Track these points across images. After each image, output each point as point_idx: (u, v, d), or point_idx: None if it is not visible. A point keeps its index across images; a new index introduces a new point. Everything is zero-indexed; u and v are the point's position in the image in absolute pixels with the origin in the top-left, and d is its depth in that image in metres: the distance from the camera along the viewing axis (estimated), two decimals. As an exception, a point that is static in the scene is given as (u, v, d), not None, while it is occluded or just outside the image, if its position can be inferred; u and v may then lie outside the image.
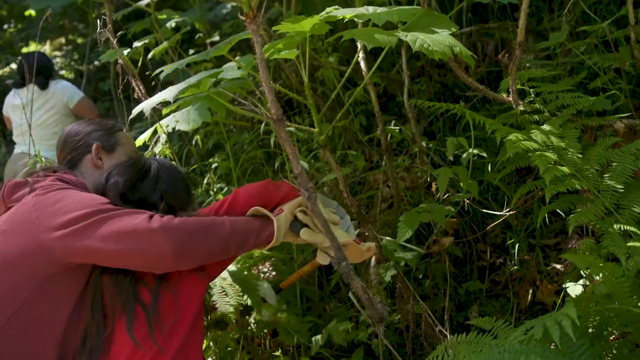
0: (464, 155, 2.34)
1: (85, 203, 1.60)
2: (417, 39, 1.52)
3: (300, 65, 1.79)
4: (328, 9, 1.67)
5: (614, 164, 1.79)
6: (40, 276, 1.59)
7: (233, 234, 1.65)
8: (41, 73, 4.17)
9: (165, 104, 1.89)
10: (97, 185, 1.78)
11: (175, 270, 1.65)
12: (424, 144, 2.74)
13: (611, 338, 1.46)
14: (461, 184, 2.16)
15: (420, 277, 2.59)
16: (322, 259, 1.80)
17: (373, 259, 2.33)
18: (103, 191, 1.75)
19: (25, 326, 1.59)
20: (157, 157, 2.27)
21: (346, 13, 1.68)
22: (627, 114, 2.13)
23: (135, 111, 1.88)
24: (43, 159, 2.74)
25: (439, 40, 1.55)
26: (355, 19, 1.69)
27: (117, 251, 1.54)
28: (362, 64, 2.21)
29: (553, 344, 1.28)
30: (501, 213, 2.29)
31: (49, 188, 1.66)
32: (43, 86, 4.19)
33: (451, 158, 2.26)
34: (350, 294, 2.19)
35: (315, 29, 1.66)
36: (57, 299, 1.63)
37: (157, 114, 2.24)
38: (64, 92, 4.25)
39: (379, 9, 1.72)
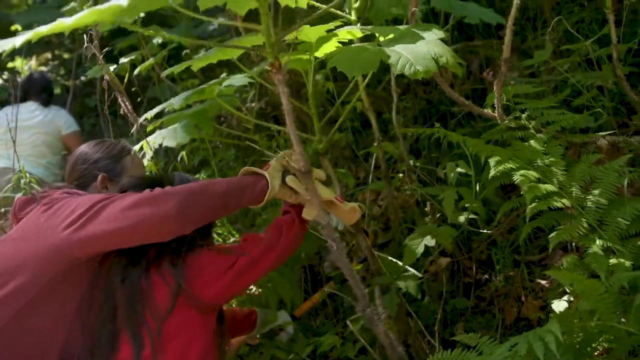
0: (452, 174, 2.35)
1: (88, 199, 1.67)
2: (400, 58, 1.50)
3: (307, 76, 1.82)
4: (334, 22, 1.69)
5: (598, 180, 1.81)
6: (47, 275, 1.63)
7: (229, 189, 1.73)
8: (45, 91, 4.27)
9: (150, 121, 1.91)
10: None
11: (181, 234, 1.68)
12: (410, 162, 2.75)
13: (595, 354, 1.47)
14: (466, 204, 2.17)
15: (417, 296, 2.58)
16: (308, 214, 1.83)
17: (377, 289, 2.33)
18: None
19: (30, 324, 1.63)
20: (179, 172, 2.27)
21: (350, 29, 1.69)
22: (610, 132, 2.15)
23: (148, 115, 1.89)
24: (27, 174, 2.73)
25: (423, 53, 1.52)
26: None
27: (123, 227, 1.60)
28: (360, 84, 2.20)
29: (537, 360, 1.29)
30: (489, 232, 2.30)
31: (57, 198, 1.73)
32: (45, 103, 4.26)
33: (452, 182, 2.27)
34: (348, 322, 2.20)
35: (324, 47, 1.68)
36: (61, 297, 1.67)
37: (143, 130, 2.24)
38: (63, 119, 4.34)
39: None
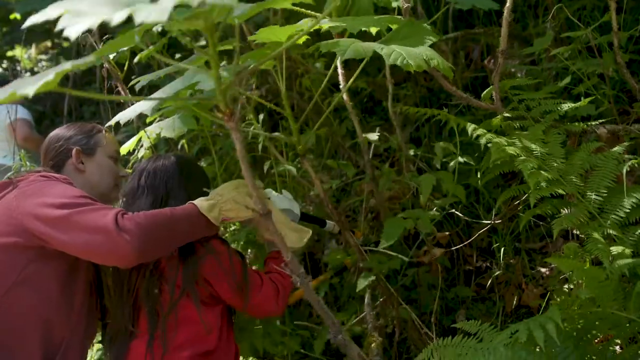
0: (452, 163, 2.34)
1: (61, 193, 1.67)
2: (393, 52, 1.50)
3: (277, 75, 1.79)
4: (305, 20, 1.68)
5: (597, 168, 1.81)
6: (22, 262, 1.66)
7: (190, 224, 1.72)
8: None
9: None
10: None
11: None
12: (411, 151, 2.74)
13: (595, 341, 1.48)
14: (445, 190, 2.16)
15: (409, 284, 2.59)
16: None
17: (367, 295, 2.33)
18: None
19: (10, 315, 1.64)
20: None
21: (324, 24, 1.68)
22: (611, 119, 2.15)
23: (113, 121, 1.89)
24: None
25: (415, 53, 1.53)
26: (332, 31, 1.70)
27: (82, 244, 1.59)
28: (340, 73, 2.16)
29: (538, 347, 1.30)
30: (489, 222, 2.29)
31: (32, 182, 1.74)
32: None
33: (438, 166, 2.27)
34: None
35: (293, 39, 1.65)
36: (39, 285, 1.68)
37: (143, 120, 2.24)
38: (4, 112, 4.43)
39: (357, 18, 1.72)
